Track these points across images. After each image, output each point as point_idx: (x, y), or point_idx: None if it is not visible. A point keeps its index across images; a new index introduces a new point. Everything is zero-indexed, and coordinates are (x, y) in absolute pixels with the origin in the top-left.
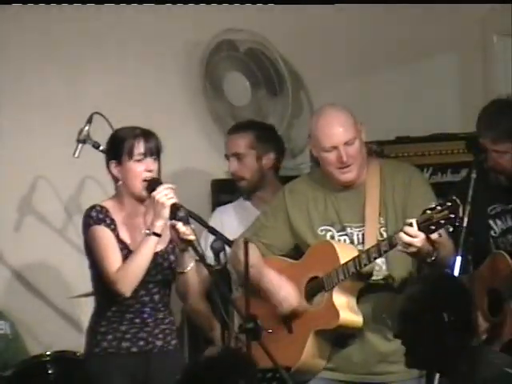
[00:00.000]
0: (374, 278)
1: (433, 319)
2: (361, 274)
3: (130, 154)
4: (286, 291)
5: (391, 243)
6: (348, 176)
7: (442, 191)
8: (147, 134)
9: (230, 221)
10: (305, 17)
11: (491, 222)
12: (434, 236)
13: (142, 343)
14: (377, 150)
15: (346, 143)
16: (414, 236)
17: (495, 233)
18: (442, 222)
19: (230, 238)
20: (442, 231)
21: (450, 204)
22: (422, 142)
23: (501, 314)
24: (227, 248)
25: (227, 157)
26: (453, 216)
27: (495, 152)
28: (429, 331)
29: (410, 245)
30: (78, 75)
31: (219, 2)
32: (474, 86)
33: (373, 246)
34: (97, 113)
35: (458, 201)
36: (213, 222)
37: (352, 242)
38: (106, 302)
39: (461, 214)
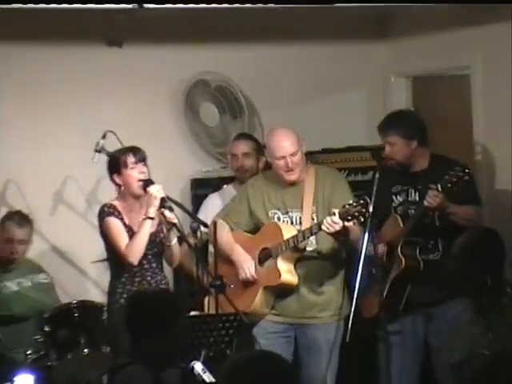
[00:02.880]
0: (307, 250)
1: None
2: (298, 247)
3: (126, 165)
4: (247, 264)
5: (320, 226)
6: (292, 177)
7: (354, 187)
8: (134, 149)
9: (222, 204)
10: (259, 62)
11: (393, 197)
12: (349, 224)
13: None
14: (319, 159)
15: (292, 154)
16: (336, 223)
17: (395, 204)
18: (357, 214)
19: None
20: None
21: (362, 202)
22: (341, 152)
23: (391, 259)
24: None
25: (234, 156)
26: (364, 211)
27: (387, 144)
28: None
29: (332, 227)
30: (93, 106)
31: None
32: (377, 114)
33: (307, 228)
34: (109, 131)
35: (368, 200)
36: (211, 205)
37: (292, 223)
38: (120, 271)
39: (370, 209)
